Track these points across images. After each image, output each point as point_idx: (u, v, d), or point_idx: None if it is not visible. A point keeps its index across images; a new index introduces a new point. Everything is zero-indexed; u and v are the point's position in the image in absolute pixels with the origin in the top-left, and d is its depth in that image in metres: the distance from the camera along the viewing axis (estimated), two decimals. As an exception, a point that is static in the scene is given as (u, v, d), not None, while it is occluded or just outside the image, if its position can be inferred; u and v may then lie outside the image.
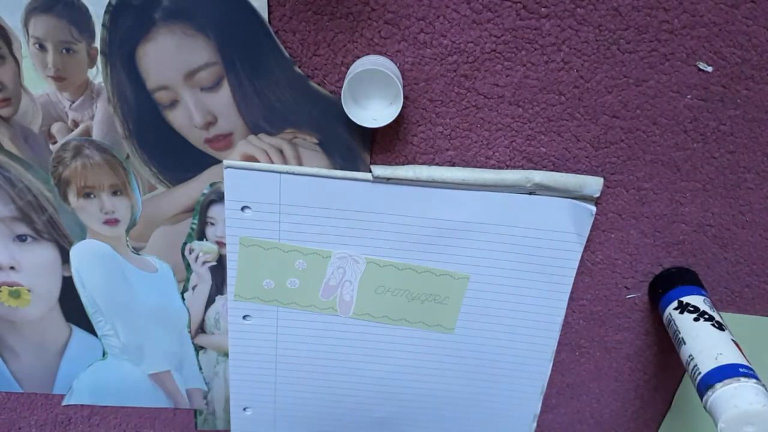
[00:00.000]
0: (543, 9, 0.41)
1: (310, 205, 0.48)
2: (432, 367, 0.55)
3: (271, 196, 0.47)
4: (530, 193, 0.48)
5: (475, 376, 0.56)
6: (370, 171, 0.47)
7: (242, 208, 0.48)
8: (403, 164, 0.47)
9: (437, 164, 0.47)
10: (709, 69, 0.43)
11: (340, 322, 0.53)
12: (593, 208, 0.48)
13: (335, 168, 0.47)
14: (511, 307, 0.53)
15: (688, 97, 0.44)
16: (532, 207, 0.48)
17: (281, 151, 0.46)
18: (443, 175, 0.46)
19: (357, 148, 0.46)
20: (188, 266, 0.51)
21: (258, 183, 0.47)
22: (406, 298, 0.51)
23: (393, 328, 0.53)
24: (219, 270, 0.51)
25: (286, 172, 0.46)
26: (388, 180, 0.47)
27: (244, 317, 0.51)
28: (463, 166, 0.47)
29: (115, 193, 0.48)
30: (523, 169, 0.47)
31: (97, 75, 0.44)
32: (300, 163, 0.47)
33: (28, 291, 0.52)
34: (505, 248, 0.50)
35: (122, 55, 0.43)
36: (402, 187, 0.47)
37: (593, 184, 0.47)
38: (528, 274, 0.51)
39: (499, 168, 0.47)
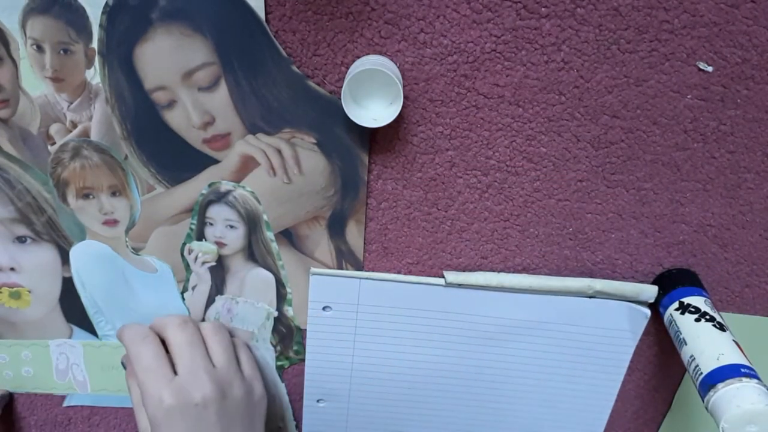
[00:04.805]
0: (543, 9, 0.41)
1: (385, 306, 0.51)
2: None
3: (350, 297, 0.51)
4: (590, 297, 0.51)
5: None
6: (443, 276, 0.50)
7: (323, 308, 0.52)
8: (404, 166, 0.47)
9: (438, 164, 0.47)
10: (709, 69, 0.43)
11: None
12: (648, 312, 0.51)
13: (333, 168, 0.47)
14: (565, 394, 0.56)
15: (688, 97, 0.44)
16: (592, 309, 0.52)
17: (279, 151, 0.46)
18: (511, 282, 0.50)
19: (355, 148, 0.46)
20: (188, 266, 0.51)
21: (339, 286, 0.51)
22: None
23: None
24: (218, 270, 0.51)
25: (366, 278, 0.50)
26: (459, 285, 0.50)
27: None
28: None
29: (114, 194, 0.48)
30: (584, 276, 0.51)
31: (94, 76, 0.43)
32: (298, 164, 0.47)
33: (29, 292, 0.52)
34: (565, 344, 0.54)
35: (119, 55, 0.43)
36: (471, 291, 0.51)
37: (649, 291, 0.50)
38: (583, 366, 0.55)
39: (558, 269, 0.51)
